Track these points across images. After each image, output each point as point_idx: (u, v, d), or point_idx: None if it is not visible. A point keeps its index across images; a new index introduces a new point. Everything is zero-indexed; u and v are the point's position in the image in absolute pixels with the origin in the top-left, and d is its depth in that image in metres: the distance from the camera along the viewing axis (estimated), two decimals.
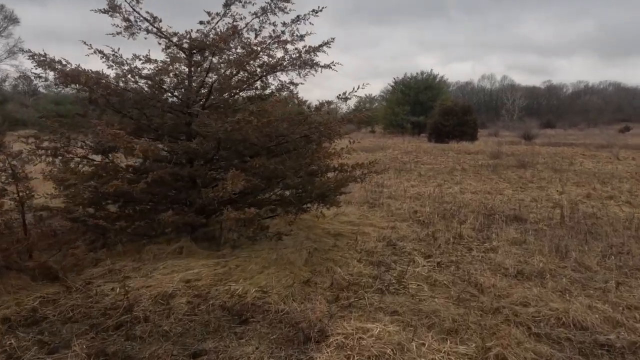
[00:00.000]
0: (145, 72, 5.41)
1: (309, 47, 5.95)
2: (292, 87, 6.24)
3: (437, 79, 57.35)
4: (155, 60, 5.41)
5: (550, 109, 77.82)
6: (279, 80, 6.31)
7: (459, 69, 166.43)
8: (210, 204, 4.65)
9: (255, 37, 5.58)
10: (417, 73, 56.18)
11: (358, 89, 5.97)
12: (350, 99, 6.14)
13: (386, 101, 73.39)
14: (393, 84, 62.29)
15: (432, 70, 56.77)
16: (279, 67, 6.02)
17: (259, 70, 6.01)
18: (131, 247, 5.13)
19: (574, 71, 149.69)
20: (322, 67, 6.29)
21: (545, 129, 61.49)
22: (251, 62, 5.35)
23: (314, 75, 6.50)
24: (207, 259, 4.87)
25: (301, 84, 6.16)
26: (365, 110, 41.30)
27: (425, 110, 48.39)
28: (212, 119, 4.41)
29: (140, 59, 5.47)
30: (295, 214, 5.45)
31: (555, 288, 4.25)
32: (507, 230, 6.52)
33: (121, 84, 5.28)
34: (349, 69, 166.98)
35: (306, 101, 6.81)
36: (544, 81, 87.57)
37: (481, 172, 14.13)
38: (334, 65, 6.14)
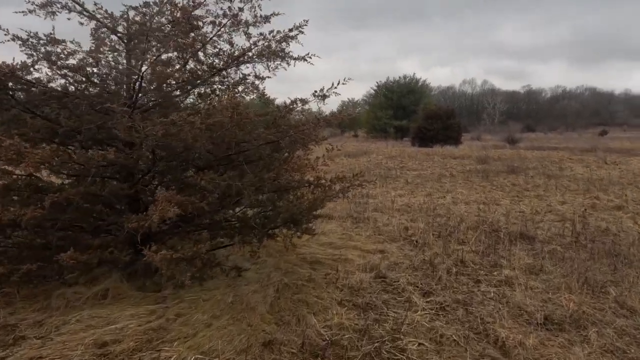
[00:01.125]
0: (70, 61, 4.17)
1: (278, 32, 4.81)
2: (257, 82, 5.07)
3: (420, 83, 56.87)
4: (79, 44, 4.16)
5: (529, 113, 78.29)
6: (241, 73, 5.15)
7: (439, 74, 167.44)
8: (143, 234, 3.41)
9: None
10: (399, 77, 55.62)
11: (339, 84, 4.82)
12: (328, 96, 4.99)
13: (369, 105, 72.96)
14: (376, 88, 61.65)
15: (414, 74, 56.02)
16: (244, 58, 4.87)
17: (217, 61, 4.84)
18: (39, 290, 3.85)
19: (550, 76, 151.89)
20: (295, 59, 5.17)
21: (527, 133, 61.60)
22: (201, 48, 4.15)
23: (285, 69, 5.37)
24: (139, 306, 3.63)
25: (268, 77, 4.99)
26: (347, 112, 40.25)
27: (408, 114, 47.73)
28: (141, 121, 3.17)
29: (62, 44, 4.22)
30: (258, 242, 4.25)
31: (603, 346, 3.14)
32: (517, 253, 5.42)
33: (36, 75, 4.03)
34: (329, 73, 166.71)
35: (274, 99, 5.59)
36: (524, 86, 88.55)
37: (471, 179, 13.13)
38: (310, 58, 5.03)
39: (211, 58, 4.89)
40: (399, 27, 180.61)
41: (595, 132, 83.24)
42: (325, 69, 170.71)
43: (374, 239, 6.16)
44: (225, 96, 4.42)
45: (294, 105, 4.91)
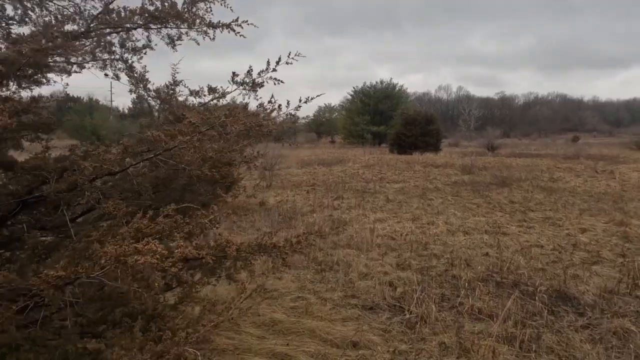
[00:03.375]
0: None
1: None
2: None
3: (397, 88, 55.42)
4: None
5: (503, 119, 78.02)
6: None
7: (412, 80, 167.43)
8: None
9: None
10: (376, 82, 54.00)
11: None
12: (261, 84, 2.85)
13: (345, 110, 71.33)
14: (352, 93, 60.01)
15: (391, 79, 54.62)
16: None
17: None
18: None
19: (518, 83, 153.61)
20: (213, 26, 3.08)
21: (503, 139, 60.82)
22: None
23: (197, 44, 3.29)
24: None
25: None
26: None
27: (386, 119, 46.11)
28: None
29: None
30: None
31: None
32: (568, 334, 3.31)
33: None
34: (306, 80, 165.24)
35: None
36: (497, 92, 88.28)
37: (461, 194, 11.11)
38: (239, 26, 2.96)
39: None
40: (371, 34, 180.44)
41: (568, 138, 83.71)
42: (302, 76, 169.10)
43: (345, 308, 3.94)
44: None
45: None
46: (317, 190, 11.73)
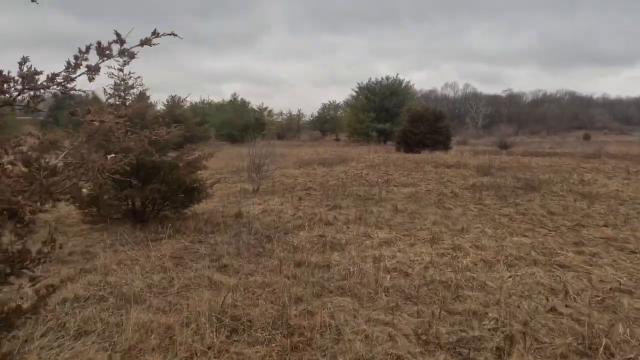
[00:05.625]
0: None
1: None
2: None
3: (404, 85, 53.19)
4: None
5: (511, 117, 75.48)
6: None
7: (415, 78, 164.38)
8: None
9: None
10: (382, 78, 51.79)
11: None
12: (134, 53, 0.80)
13: (350, 107, 69.21)
14: (357, 90, 57.91)
15: (397, 75, 52.23)
16: None
17: None
18: None
19: (522, 80, 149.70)
20: None
21: (513, 137, 58.48)
22: None
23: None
24: None
25: None
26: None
27: (392, 117, 43.89)
28: None
29: None
30: None
31: None
32: None
33: None
34: (308, 76, 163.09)
35: None
36: (505, 89, 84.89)
37: (485, 202, 9.03)
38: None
39: None
40: (372, 31, 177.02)
41: (578, 135, 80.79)
42: (303, 73, 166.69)
43: None
44: None
45: None
46: (312, 196, 9.69)
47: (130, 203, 6.62)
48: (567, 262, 4.93)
